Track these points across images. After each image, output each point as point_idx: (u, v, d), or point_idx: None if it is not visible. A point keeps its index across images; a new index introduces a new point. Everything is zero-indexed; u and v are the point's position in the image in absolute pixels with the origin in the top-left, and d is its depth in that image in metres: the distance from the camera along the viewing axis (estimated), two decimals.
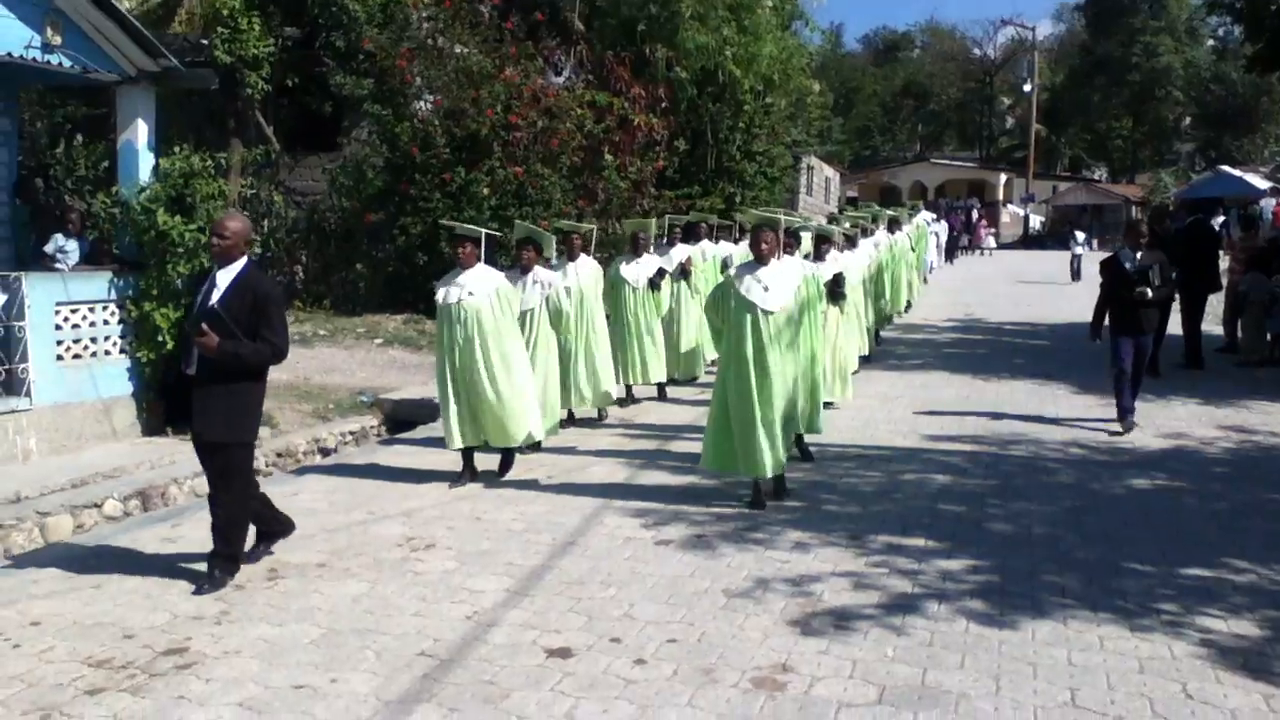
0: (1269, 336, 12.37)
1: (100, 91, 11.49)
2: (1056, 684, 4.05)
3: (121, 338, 8.97)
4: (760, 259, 6.49)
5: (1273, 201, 26.23)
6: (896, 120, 70.06)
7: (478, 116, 15.25)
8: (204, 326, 5.00)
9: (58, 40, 8.24)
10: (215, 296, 5.14)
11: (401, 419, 10.23)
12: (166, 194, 8.91)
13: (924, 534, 5.95)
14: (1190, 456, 7.92)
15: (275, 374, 5.93)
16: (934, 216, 30.26)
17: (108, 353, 8.87)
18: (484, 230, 7.30)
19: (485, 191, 15.10)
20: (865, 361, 11.51)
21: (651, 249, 10.40)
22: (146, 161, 9.14)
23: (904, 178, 50.65)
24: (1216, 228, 15.67)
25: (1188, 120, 58.98)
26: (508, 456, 7.44)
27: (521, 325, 7.60)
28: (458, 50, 15.87)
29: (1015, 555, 5.61)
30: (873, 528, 6.08)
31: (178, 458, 8.14)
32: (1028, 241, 45.29)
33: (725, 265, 11.20)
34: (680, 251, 10.94)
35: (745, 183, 22.93)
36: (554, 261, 8.56)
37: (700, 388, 10.49)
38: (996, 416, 9.34)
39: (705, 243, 11.81)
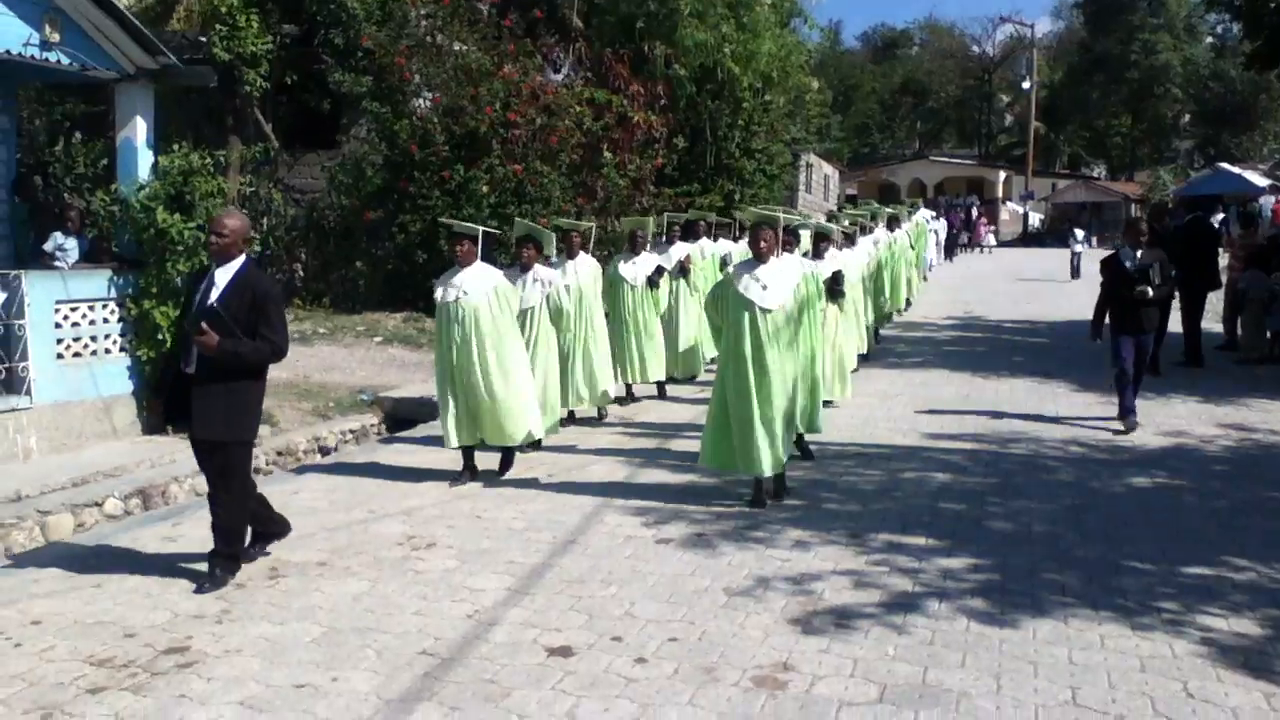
0: (1268, 334, 12.37)
1: (99, 89, 11.48)
2: (1057, 682, 4.05)
3: (121, 336, 8.98)
4: (759, 257, 6.46)
5: (1272, 199, 26.29)
6: (895, 117, 70.04)
7: (476, 114, 15.25)
8: (203, 325, 4.98)
9: (56, 38, 8.23)
10: (214, 295, 5.12)
11: (402, 417, 10.23)
12: (166, 192, 8.91)
13: (924, 532, 5.95)
14: (1190, 454, 7.92)
15: (275, 372, 5.92)
16: (933, 214, 30.26)
17: (108, 351, 8.87)
18: (481, 228, 7.27)
19: (484, 189, 15.11)
20: (865, 360, 11.52)
21: (650, 247, 10.40)
22: (145, 159, 9.13)
23: (903, 175, 50.63)
24: (1216, 225, 15.69)
25: (1186, 118, 59.00)
26: (508, 455, 7.43)
27: (522, 324, 7.58)
28: (456, 48, 15.87)
29: (1015, 554, 5.61)
30: (873, 526, 6.08)
31: (178, 456, 8.14)
32: (1027, 239, 45.32)
33: (724, 263, 11.18)
34: (679, 249, 10.92)
35: (744, 180, 22.95)
36: (554, 260, 8.55)
37: (700, 386, 10.49)
38: (996, 415, 9.33)
39: (704, 240, 11.79)
